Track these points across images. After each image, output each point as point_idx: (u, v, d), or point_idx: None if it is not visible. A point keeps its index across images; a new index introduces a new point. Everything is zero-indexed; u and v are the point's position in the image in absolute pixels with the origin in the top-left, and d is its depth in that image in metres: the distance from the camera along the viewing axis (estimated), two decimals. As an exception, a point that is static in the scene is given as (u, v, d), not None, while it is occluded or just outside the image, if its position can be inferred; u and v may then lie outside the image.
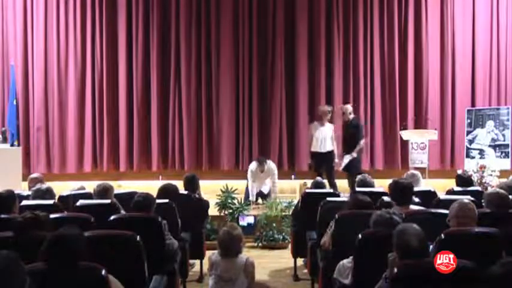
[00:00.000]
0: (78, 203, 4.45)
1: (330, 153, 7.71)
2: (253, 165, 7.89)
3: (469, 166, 8.45)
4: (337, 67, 9.44)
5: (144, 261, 3.30)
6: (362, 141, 7.85)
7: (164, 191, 5.00)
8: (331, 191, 5.62)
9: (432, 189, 5.24)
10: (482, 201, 4.19)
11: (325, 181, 6.73)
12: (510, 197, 4.08)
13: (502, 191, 4.09)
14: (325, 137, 7.65)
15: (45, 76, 9.40)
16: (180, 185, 5.56)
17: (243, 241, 3.93)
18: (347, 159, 7.63)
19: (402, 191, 4.18)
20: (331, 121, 8.05)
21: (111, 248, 3.23)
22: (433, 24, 9.50)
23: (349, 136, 7.80)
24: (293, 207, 6.45)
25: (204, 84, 9.44)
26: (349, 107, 7.99)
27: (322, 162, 7.75)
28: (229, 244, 3.78)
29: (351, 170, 7.56)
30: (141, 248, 3.29)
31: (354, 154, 7.64)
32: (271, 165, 7.86)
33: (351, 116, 7.89)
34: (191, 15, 9.45)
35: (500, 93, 9.53)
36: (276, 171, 7.89)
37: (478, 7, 9.53)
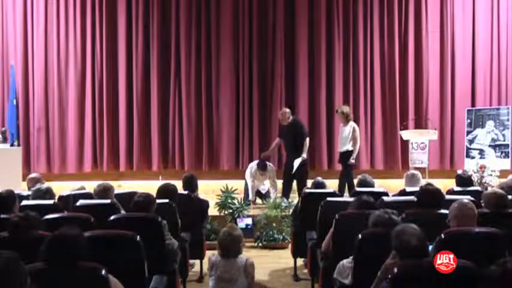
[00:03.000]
0: (78, 203, 4.44)
1: (345, 153, 7.74)
2: (253, 165, 7.89)
3: (469, 166, 8.45)
4: (337, 67, 9.45)
5: (144, 261, 3.30)
6: (307, 140, 7.79)
7: (164, 191, 4.98)
8: (331, 191, 5.58)
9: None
10: (482, 201, 4.19)
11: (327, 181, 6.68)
12: (510, 197, 4.08)
13: (499, 190, 4.08)
14: (345, 137, 7.74)
15: (45, 76, 9.41)
16: (180, 185, 5.55)
17: (243, 242, 3.93)
18: (297, 162, 7.54)
19: (431, 197, 4.05)
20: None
21: (111, 248, 3.24)
22: (433, 24, 9.50)
23: (294, 137, 7.73)
24: (293, 207, 6.44)
25: (204, 84, 9.45)
26: (287, 110, 7.95)
27: (341, 161, 7.94)
28: (229, 245, 3.78)
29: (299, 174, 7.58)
30: (141, 248, 3.29)
31: (304, 155, 7.60)
32: (269, 166, 7.89)
33: (291, 118, 7.84)
34: (191, 15, 9.46)
35: (501, 93, 9.54)
36: (274, 172, 7.94)
37: (478, 7, 9.54)
